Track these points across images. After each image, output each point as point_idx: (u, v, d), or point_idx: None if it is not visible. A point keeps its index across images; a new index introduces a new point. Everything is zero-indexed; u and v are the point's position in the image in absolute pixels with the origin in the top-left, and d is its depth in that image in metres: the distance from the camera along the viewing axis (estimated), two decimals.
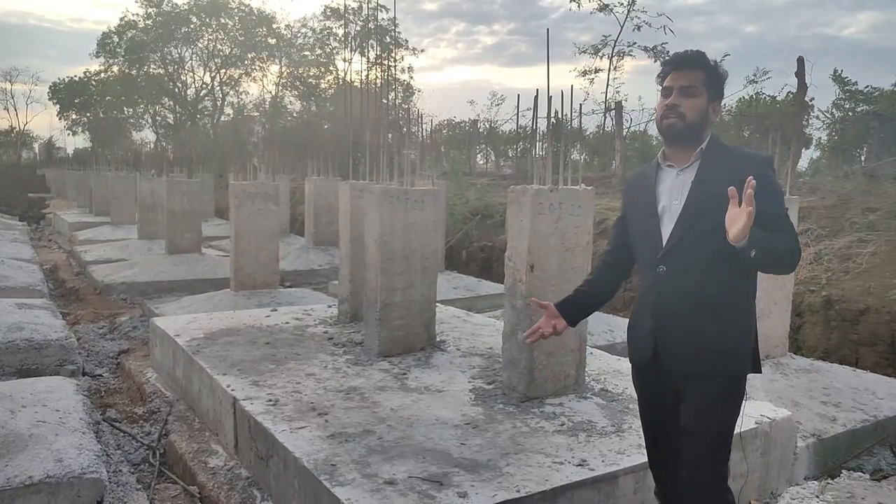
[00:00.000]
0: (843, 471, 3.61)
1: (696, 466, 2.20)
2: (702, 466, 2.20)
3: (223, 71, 36.04)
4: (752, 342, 2.25)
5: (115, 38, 35.24)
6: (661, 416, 2.36)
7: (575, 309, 2.59)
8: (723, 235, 2.06)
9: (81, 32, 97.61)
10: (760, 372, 2.32)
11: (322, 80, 33.20)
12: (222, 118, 35.97)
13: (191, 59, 36.03)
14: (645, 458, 2.85)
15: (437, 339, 4.65)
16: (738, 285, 2.21)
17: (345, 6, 28.14)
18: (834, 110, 16.53)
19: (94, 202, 17.14)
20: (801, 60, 11.14)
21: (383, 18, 27.77)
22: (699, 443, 2.19)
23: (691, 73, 2.24)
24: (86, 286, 9.11)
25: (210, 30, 34.92)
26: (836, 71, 15.84)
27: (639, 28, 16.77)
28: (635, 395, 3.61)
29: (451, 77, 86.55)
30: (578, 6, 17.46)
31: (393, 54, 27.46)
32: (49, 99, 41.20)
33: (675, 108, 2.23)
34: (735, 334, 2.20)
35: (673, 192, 2.29)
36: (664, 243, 2.24)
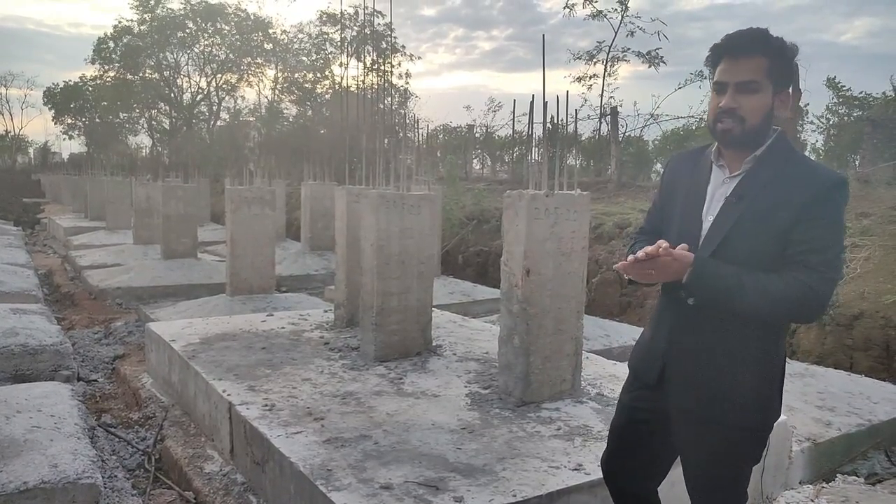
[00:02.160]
0: (838, 475, 3.62)
1: (699, 497, 2.01)
2: (704, 498, 2.01)
3: (219, 76, 36.06)
4: (776, 392, 1.91)
5: (111, 44, 35.25)
6: (645, 431, 2.11)
7: None
8: (750, 264, 1.79)
9: (79, 37, 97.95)
10: (780, 415, 1.97)
11: (318, 85, 33.26)
12: (218, 123, 35.99)
13: (187, 63, 36.07)
14: None
15: (434, 344, 4.65)
16: (770, 324, 1.87)
17: (341, 12, 28.24)
18: (828, 116, 16.63)
19: (89, 207, 17.10)
20: (795, 66, 11.21)
21: (379, 24, 27.87)
22: (700, 484, 1.99)
23: (750, 61, 1.80)
24: (81, 291, 9.08)
25: (206, 35, 34.95)
26: (829, 77, 15.94)
27: (632, 34, 16.83)
28: None
29: (449, 82, 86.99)
30: (572, 13, 17.52)
31: (389, 60, 27.52)
32: (44, 104, 41.21)
33: (731, 111, 1.82)
34: (759, 382, 1.87)
35: (713, 202, 1.93)
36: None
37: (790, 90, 1.88)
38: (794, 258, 1.77)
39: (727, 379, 1.87)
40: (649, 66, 17.05)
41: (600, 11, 17.08)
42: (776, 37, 1.84)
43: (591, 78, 18.21)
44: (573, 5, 17.35)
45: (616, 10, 16.94)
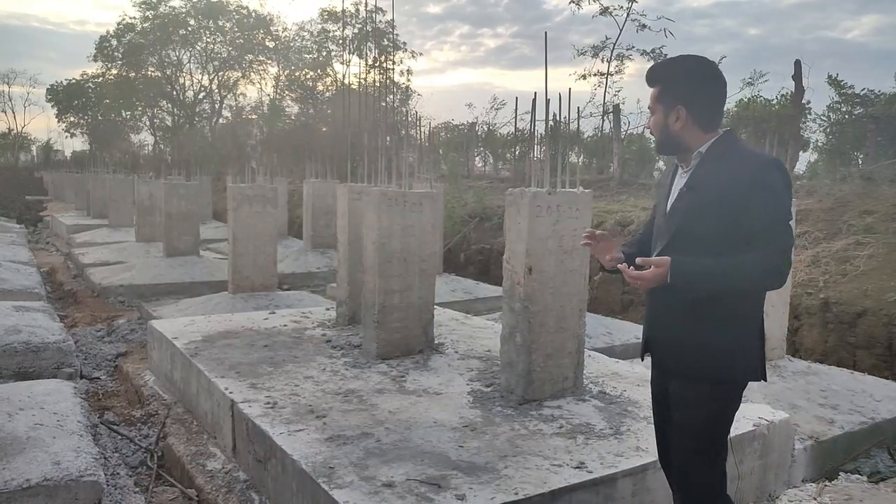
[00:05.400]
0: (840, 473, 3.61)
1: (682, 461, 2.26)
2: (687, 462, 2.24)
3: (221, 73, 36.06)
4: (745, 349, 2.16)
5: (114, 41, 35.27)
6: (659, 412, 2.40)
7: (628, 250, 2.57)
8: (705, 246, 2.08)
9: (84, 35, 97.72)
10: (762, 380, 2.23)
11: (319, 83, 33.24)
12: (220, 121, 36.01)
13: (189, 61, 36.08)
14: (642, 461, 2.86)
15: (436, 342, 4.65)
16: (727, 294, 2.11)
17: (343, 10, 28.22)
18: (830, 113, 16.58)
19: (91, 205, 17.12)
20: (798, 63, 11.21)
21: (381, 21, 27.86)
22: (683, 440, 2.24)
23: (652, 91, 2.26)
24: (83, 289, 9.09)
25: (208, 32, 34.94)
26: (831, 75, 15.90)
27: (642, 28, 16.78)
28: (633, 398, 3.63)
29: (453, 80, 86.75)
30: (579, 8, 17.50)
31: (391, 57, 27.51)
32: (47, 101, 41.23)
33: (650, 128, 2.31)
34: (719, 340, 2.13)
35: (673, 195, 2.29)
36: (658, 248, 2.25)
37: (682, 107, 2.19)
38: (748, 236, 2.04)
39: (689, 338, 2.17)
40: None
41: (606, 8, 17.06)
42: (671, 62, 2.27)
43: (594, 75, 18.19)
44: (579, 0, 17.32)
45: (622, 7, 16.91)
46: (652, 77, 2.26)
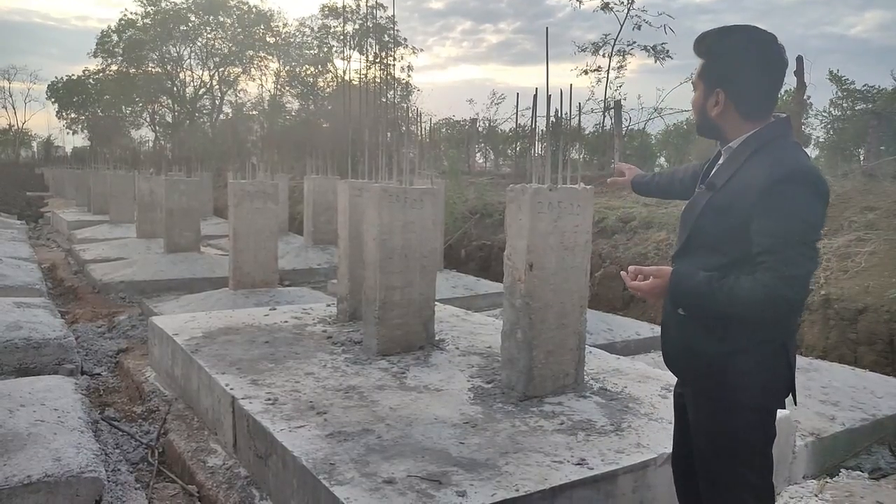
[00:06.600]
0: (841, 470, 3.61)
1: (698, 462, 2.14)
2: (702, 464, 2.12)
3: (221, 69, 36.04)
4: (758, 371, 1.90)
5: (114, 37, 35.26)
6: (678, 420, 2.27)
7: (641, 178, 2.67)
8: (719, 256, 1.88)
9: (86, 31, 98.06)
10: (782, 408, 2.01)
11: (320, 79, 33.24)
12: (221, 117, 36.01)
13: (189, 57, 36.08)
14: (643, 458, 2.86)
15: (436, 338, 4.64)
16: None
17: (343, 5, 28.18)
18: (831, 109, 16.56)
19: (92, 201, 17.12)
20: (800, 60, 11.18)
21: (381, 17, 27.83)
22: (696, 445, 2.10)
23: (698, 63, 1.98)
24: (84, 285, 9.09)
25: (208, 28, 34.93)
26: (832, 71, 15.88)
27: (639, 27, 16.74)
28: (634, 394, 3.63)
29: (455, 76, 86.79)
30: (580, 4, 17.44)
31: (392, 53, 27.48)
32: (47, 98, 41.24)
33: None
34: (721, 356, 1.92)
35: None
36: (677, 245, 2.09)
37: (722, 91, 1.91)
38: (756, 258, 1.78)
39: (690, 348, 2.01)
40: (655, 60, 16.98)
41: (607, 4, 17.00)
42: (721, 33, 1.92)
43: (595, 71, 18.14)
44: None
45: (623, 2, 16.86)
46: (698, 47, 1.96)
